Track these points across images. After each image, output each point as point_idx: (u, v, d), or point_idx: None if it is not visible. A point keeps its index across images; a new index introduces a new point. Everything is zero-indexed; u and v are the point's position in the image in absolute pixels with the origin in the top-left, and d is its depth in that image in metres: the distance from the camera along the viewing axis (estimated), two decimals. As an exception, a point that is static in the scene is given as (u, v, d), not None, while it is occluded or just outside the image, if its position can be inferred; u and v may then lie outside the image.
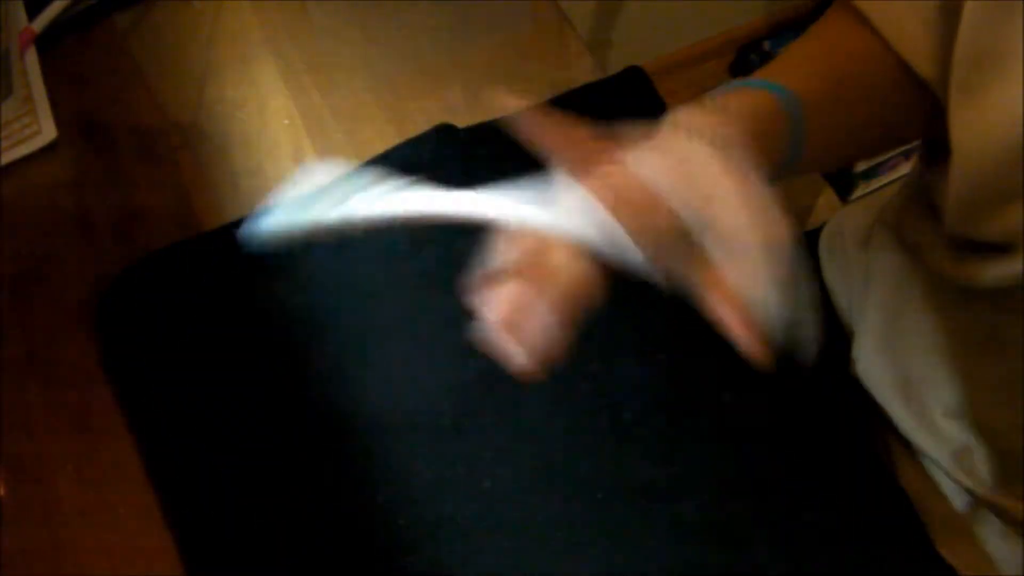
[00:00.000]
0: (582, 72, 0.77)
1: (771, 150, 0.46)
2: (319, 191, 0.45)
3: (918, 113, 0.52)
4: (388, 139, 0.73)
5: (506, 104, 0.40)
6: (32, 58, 0.75)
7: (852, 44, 0.52)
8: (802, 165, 0.49)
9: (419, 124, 0.73)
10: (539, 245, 0.40)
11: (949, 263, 0.54)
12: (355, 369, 0.64)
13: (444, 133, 0.72)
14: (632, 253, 0.40)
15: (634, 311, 0.65)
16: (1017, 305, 0.50)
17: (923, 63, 0.49)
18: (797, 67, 0.51)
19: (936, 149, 0.54)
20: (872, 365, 0.64)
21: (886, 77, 0.51)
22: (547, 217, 0.41)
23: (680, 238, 0.40)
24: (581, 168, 0.41)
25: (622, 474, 0.60)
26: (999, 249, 0.48)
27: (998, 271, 0.48)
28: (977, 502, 0.59)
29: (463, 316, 0.42)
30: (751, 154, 0.43)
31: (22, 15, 0.77)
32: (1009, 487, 0.57)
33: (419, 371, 0.63)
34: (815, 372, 0.68)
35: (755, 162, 0.43)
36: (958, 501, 0.61)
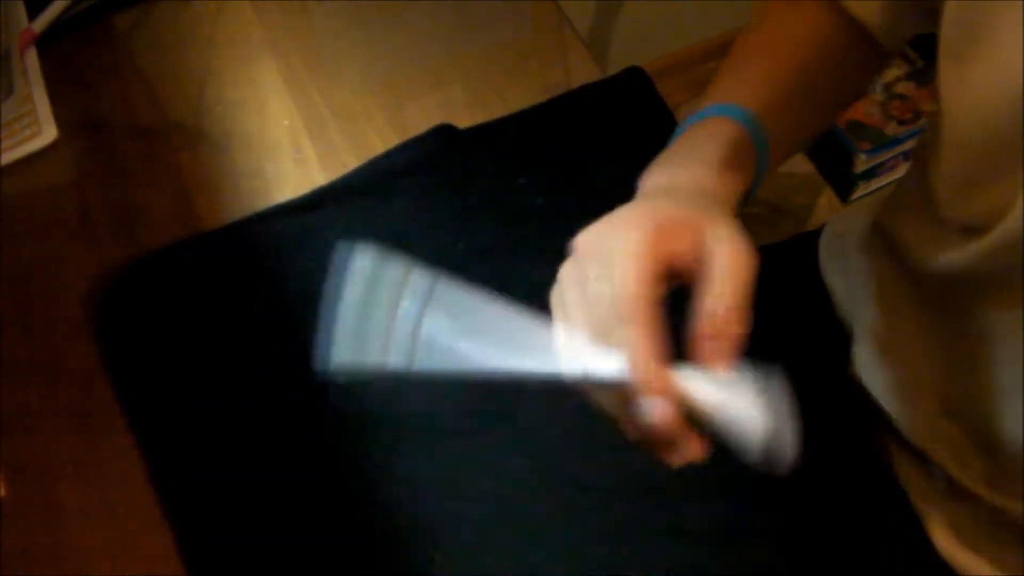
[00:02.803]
0: (582, 72, 0.77)
1: (746, 178, 0.49)
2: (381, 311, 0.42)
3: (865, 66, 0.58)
4: (388, 139, 0.73)
5: None
6: (32, 58, 0.75)
7: (792, 30, 0.57)
8: (769, 171, 0.51)
9: (419, 124, 0.73)
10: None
11: (932, 253, 0.54)
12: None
13: (444, 133, 0.72)
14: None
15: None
16: (1015, 304, 0.50)
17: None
18: (746, 81, 0.54)
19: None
20: (871, 365, 0.64)
21: (834, 46, 0.56)
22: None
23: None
24: None
25: (622, 474, 0.60)
26: (974, 231, 0.48)
27: (966, 252, 0.49)
28: (975, 502, 0.59)
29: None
30: (731, 196, 0.46)
31: (22, 15, 0.77)
32: (1007, 487, 0.57)
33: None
34: (814, 372, 0.68)
35: (734, 205, 0.46)
36: (957, 501, 0.61)
